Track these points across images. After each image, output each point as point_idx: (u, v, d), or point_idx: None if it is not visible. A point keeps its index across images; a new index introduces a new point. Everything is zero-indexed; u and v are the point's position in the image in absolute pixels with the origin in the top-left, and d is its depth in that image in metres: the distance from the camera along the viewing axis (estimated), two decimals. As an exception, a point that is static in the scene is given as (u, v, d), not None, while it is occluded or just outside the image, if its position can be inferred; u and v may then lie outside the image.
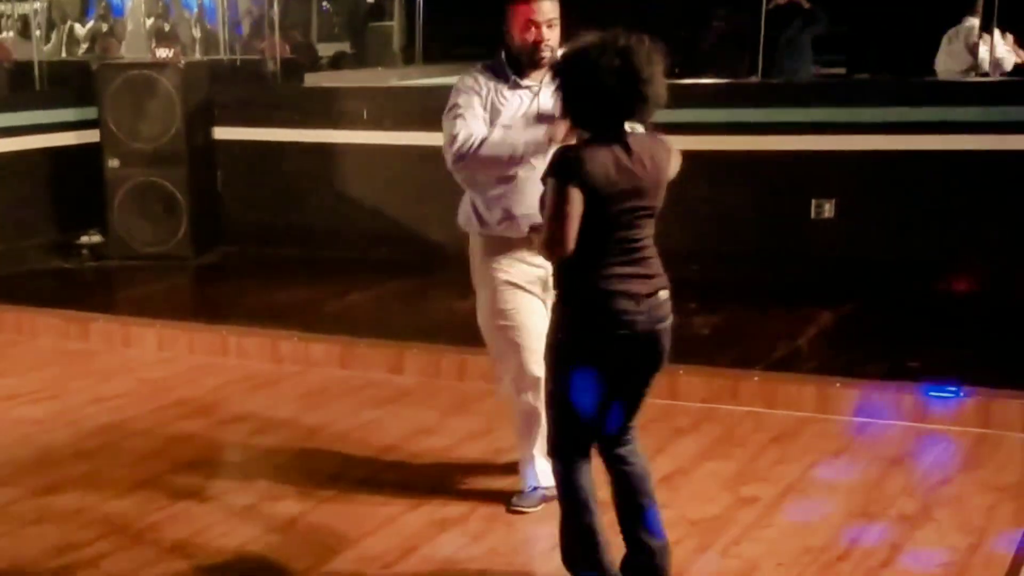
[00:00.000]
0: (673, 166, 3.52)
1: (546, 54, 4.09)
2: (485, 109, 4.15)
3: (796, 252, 7.44)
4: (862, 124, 7.36)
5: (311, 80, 9.81)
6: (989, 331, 6.38)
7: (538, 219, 3.57)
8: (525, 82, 4.18)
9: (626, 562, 3.58)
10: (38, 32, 10.65)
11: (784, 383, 5.57)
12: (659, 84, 3.32)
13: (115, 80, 8.38)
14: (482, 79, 4.19)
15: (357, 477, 4.76)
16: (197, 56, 11.08)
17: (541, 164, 3.73)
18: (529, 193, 3.99)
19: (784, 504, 4.47)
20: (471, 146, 4.08)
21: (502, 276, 4.23)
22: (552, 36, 4.12)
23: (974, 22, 9.54)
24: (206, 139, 8.66)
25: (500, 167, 4.12)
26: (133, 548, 4.15)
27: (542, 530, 4.22)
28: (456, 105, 4.16)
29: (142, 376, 6.21)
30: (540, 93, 4.13)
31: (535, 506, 4.33)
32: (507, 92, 4.16)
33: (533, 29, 4.11)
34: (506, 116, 4.13)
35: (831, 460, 4.91)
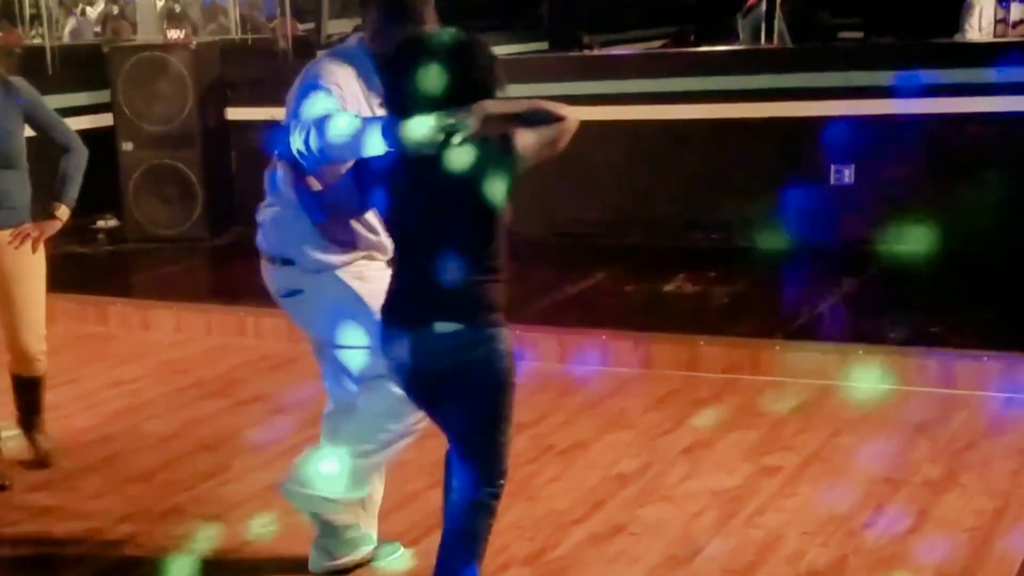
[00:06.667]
0: None
1: None
2: None
3: (816, 218, 7.38)
4: (880, 88, 7.27)
5: (323, 57, 9.75)
6: (1012, 295, 6.31)
7: None
8: None
9: None
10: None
11: (806, 351, 5.53)
12: None
13: (127, 63, 8.34)
14: None
15: (377, 455, 4.73)
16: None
17: None
18: None
19: (808, 473, 4.44)
20: None
21: None
22: None
23: None
24: (219, 120, 8.62)
25: None
26: (156, 531, 4.15)
27: (564, 504, 4.22)
28: None
29: (160, 358, 6.21)
30: None
31: None
32: None
33: None
34: None
35: (854, 428, 4.87)
